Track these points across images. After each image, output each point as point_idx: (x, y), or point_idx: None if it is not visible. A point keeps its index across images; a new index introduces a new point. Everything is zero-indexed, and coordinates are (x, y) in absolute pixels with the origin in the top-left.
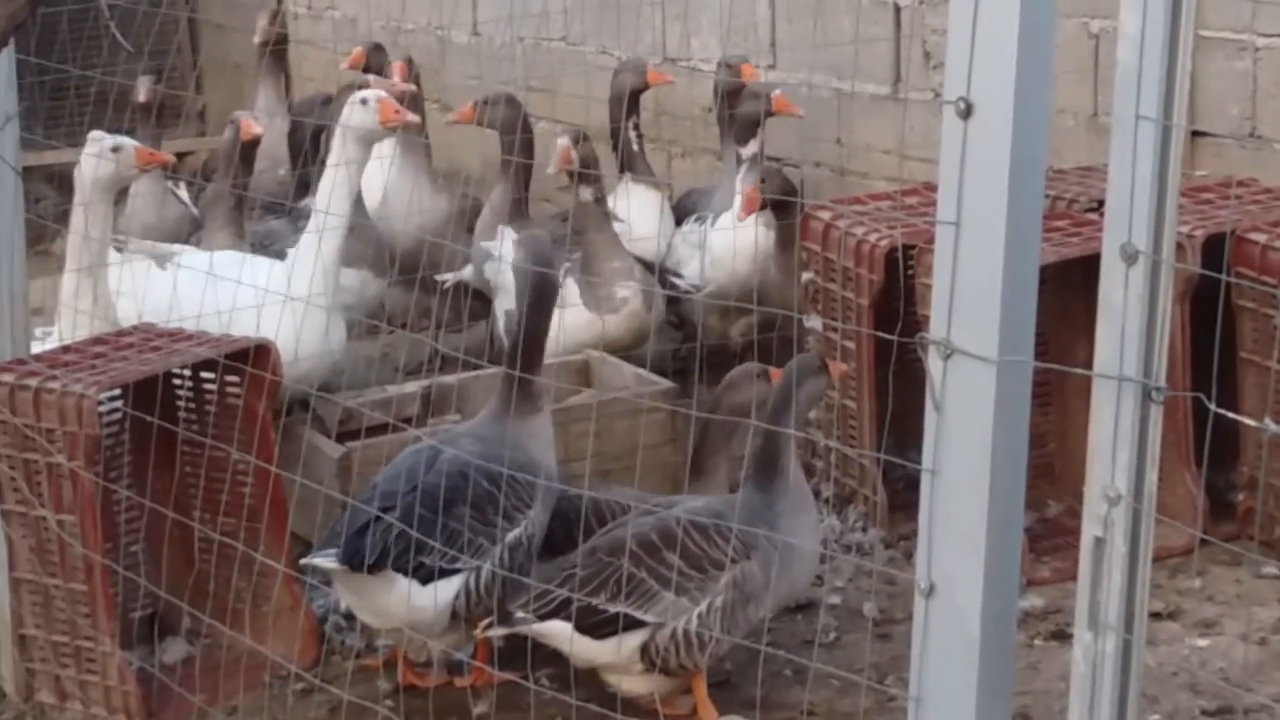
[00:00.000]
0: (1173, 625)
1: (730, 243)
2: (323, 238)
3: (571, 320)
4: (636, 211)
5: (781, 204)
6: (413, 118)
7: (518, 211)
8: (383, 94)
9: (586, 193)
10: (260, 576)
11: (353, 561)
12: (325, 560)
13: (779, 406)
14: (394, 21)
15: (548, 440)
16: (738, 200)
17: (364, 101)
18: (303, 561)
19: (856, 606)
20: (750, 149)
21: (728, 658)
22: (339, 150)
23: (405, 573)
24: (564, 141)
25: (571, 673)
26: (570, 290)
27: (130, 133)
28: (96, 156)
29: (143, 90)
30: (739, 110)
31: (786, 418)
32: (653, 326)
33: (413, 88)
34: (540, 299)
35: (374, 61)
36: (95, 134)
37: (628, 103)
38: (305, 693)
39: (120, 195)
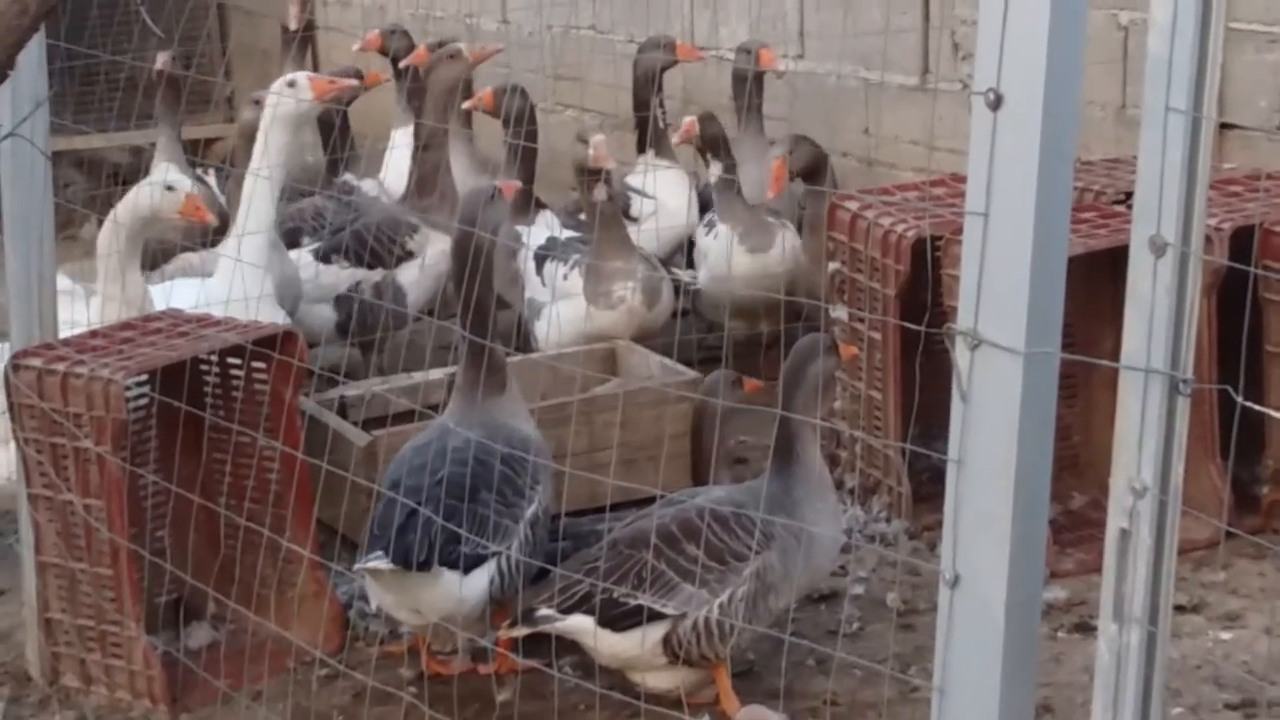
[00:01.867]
0: (1197, 618)
1: (779, 258)
2: (243, 242)
3: (568, 310)
4: (664, 189)
5: (813, 174)
6: (349, 82)
7: (524, 203)
8: (311, 74)
9: (602, 191)
10: (285, 562)
11: (405, 561)
12: (379, 563)
13: (788, 389)
14: (423, 9)
15: (526, 414)
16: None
17: (292, 84)
18: (355, 567)
19: (880, 597)
20: (714, 171)
21: (751, 648)
22: (260, 153)
23: (449, 565)
24: (599, 138)
25: (596, 661)
26: (574, 281)
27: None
28: (151, 190)
29: (160, 60)
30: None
31: (796, 399)
32: (660, 320)
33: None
34: (473, 270)
35: (394, 45)
36: (164, 166)
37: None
38: (329, 679)
39: None
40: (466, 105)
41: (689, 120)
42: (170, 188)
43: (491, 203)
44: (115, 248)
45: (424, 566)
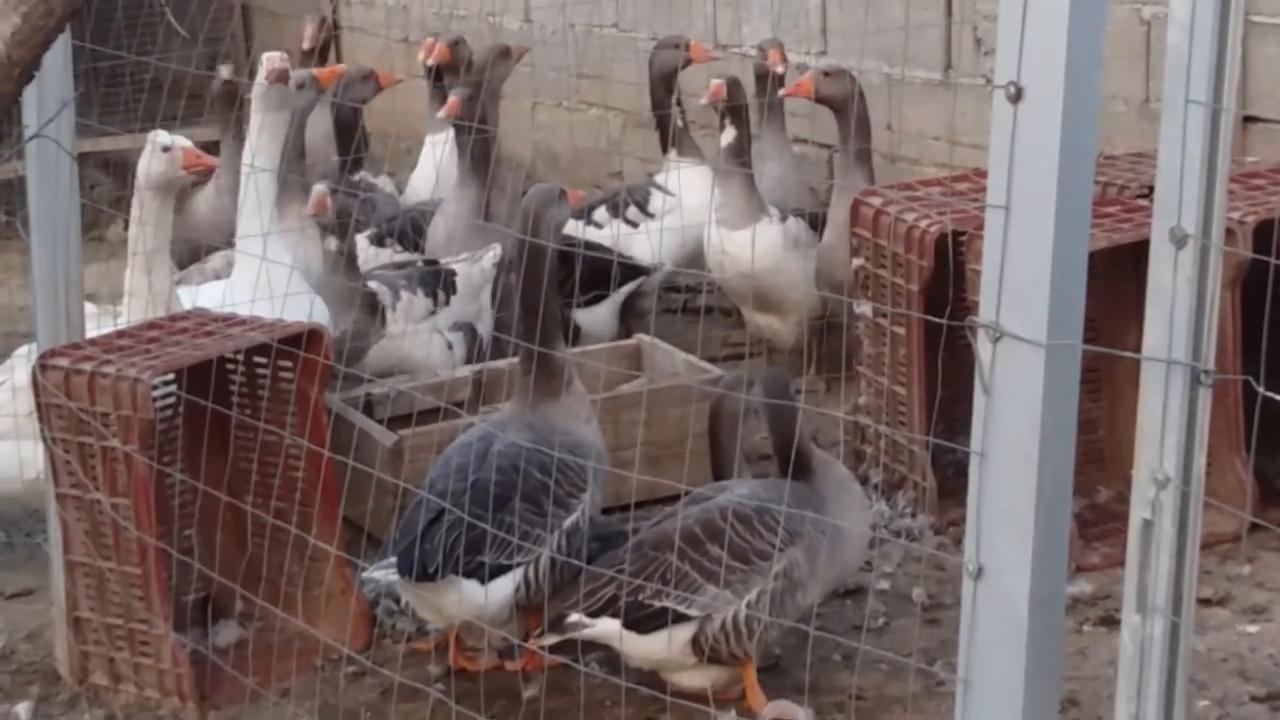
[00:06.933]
0: (1222, 611)
1: (745, 242)
2: (268, 240)
3: None
4: (686, 187)
5: (842, 110)
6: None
7: (481, 214)
8: (272, 54)
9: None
10: (312, 560)
11: (412, 572)
12: (387, 574)
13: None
14: (446, 8)
15: (587, 415)
16: None
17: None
18: (363, 575)
19: (905, 592)
20: (726, 137)
21: (778, 643)
22: (255, 130)
23: (469, 575)
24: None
25: (627, 662)
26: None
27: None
28: (150, 155)
29: (224, 72)
30: (654, 59)
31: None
32: None
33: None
34: (530, 268)
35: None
36: (154, 133)
37: (672, 81)
38: (357, 676)
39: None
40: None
41: (717, 83)
42: (166, 148)
43: (557, 203)
44: (145, 220)
45: (431, 577)
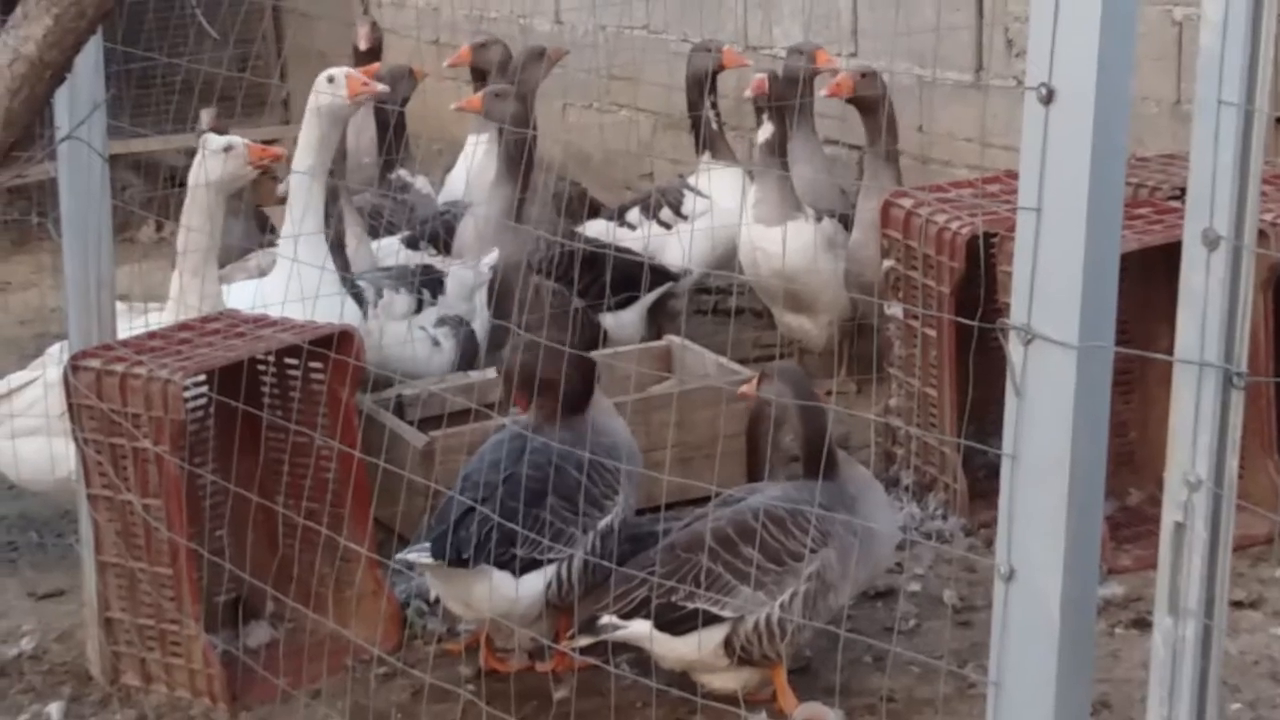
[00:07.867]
0: (1255, 614)
1: (779, 239)
2: (299, 241)
3: None
4: (718, 189)
5: (871, 110)
6: (382, 88)
7: (515, 215)
8: (350, 70)
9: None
10: (343, 561)
11: (446, 557)
12: (420, 556)
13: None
14: (476, 10)
15: (611, 410)
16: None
17: (331, 79)
18: (397, 557)
19: (936, 594)
20: (764, 133)
21: (809, 645)
22: (304, 145)
23: (501, 566)
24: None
25: (660, 663)
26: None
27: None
28: (210, 158)
29: (204, 119)
30: (690, 59)
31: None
32: None
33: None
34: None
35: (479, 58)
36: (206, 136)
37: (705, 84)
38: (387, 677)
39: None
40: (455, 106)
41: (759, 77)
42: (227, 148)
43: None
44: (198, 223)
45: (465, 564)
